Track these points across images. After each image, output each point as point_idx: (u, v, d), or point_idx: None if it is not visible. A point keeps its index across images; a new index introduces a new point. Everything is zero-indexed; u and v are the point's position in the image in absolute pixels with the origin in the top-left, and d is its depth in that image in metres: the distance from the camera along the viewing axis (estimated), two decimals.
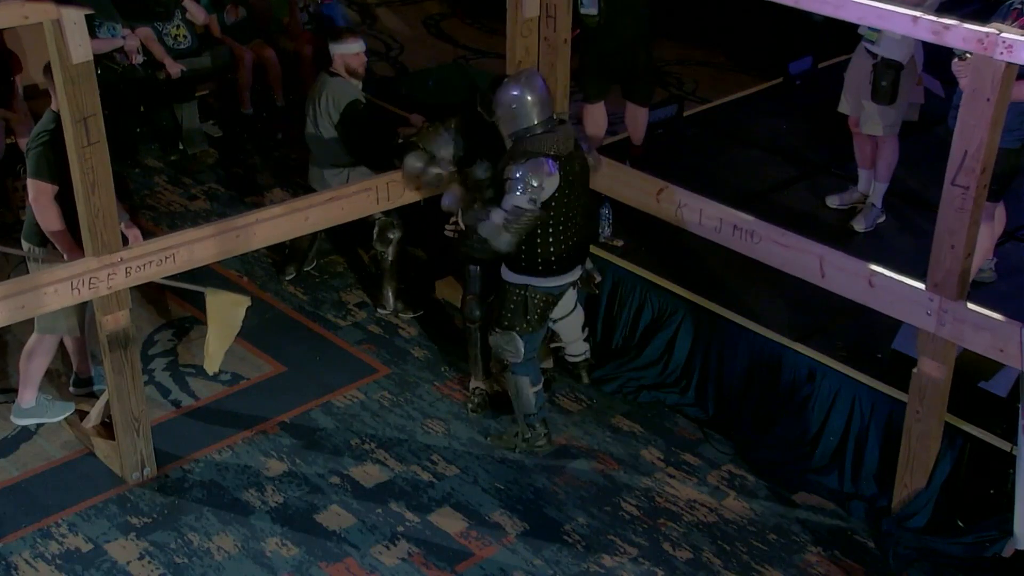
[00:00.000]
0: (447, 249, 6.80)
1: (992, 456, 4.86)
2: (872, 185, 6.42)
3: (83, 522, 5.18)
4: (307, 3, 8.67)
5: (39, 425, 5.68)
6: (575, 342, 5.86)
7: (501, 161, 5.21)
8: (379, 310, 6.66)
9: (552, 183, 5.08)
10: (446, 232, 5.77)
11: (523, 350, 5.38)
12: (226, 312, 5.40)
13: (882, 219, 6.39)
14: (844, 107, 6.46)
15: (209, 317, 5.28)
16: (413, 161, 5.64)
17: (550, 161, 5.06)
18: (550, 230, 5.21)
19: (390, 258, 6.57)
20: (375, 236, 6.52)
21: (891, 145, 6.27)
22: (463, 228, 5.42)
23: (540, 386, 5.55)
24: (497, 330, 5.41)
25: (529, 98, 5.12)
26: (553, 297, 5.40)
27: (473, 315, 5.78)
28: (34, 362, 5.56)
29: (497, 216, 5.08)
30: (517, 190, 5.01)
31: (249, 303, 5.61)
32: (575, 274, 5.42)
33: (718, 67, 9.21)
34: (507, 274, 5.36)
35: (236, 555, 5.02)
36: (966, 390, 4.94)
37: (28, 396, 5.61)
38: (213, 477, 5.45)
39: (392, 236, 6.51)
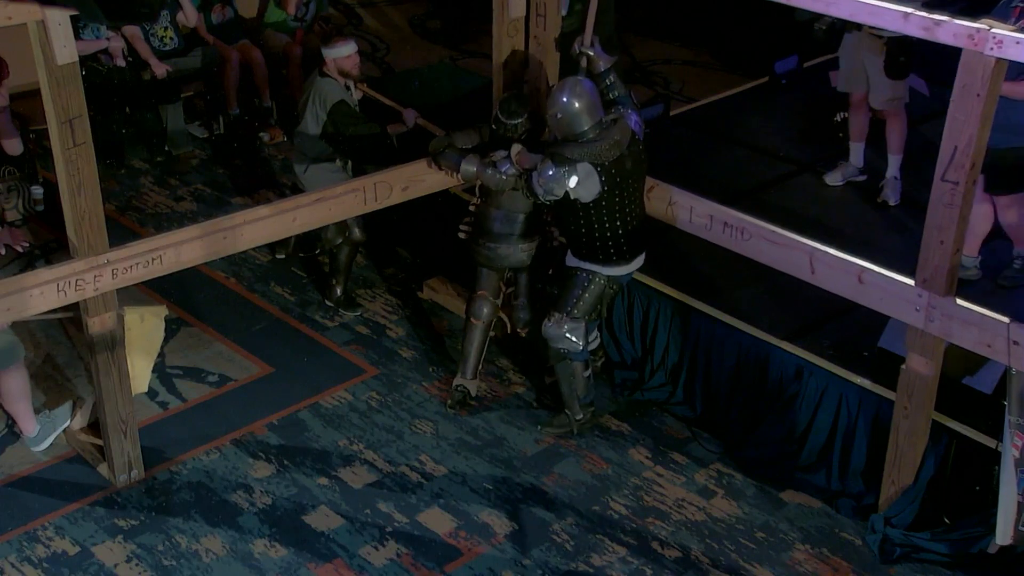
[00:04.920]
0: (437, 250, 6.82)
1: (977, 453, 4.88)
2: (889, 159, 6.60)
3: (70, 525, 5.15)
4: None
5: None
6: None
7: (548, 145, 5.33)
8: (326, 301, 6.73)
9: (588, 189, 5.18)
10: (459, 234, 5.80)
11: (584, 338, 5.50)
12: (145, 327, 5.41)
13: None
14: (844, 86, 6.64)
15: (127, 336, 5.24)
16: (468, 166, 5.58)
17: (580, 168, 5.12)
18: (617, 223, 5.31)
19: (342, 258, 6.64)
20: (331, 226, 6.50)
21: (901, 118, 6.53)
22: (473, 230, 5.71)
23: (589, 369, 5.66)
24: (559, 317, 5.46)
25: (577, 105, 5.18)
26: (620, 285, 5.57)
27: (480, 313, 5.82)
28: (15, 400, 5.49)
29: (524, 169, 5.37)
30: (543, 177, 5.16)
31: (166, 312, 5.60)
32: (641, 260, 5.53)
33: (704, 66, 9.22)
34: (581, 263, 5.45)
35: (224, 557, 5.01)
36: (951, 387, 4.96)
37: (30, 427, 5.55)
38: (201, 479, 5.44)
39: (342, 234, 6.52)
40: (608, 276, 5.46)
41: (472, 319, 5.86)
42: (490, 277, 5.88)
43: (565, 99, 5.19)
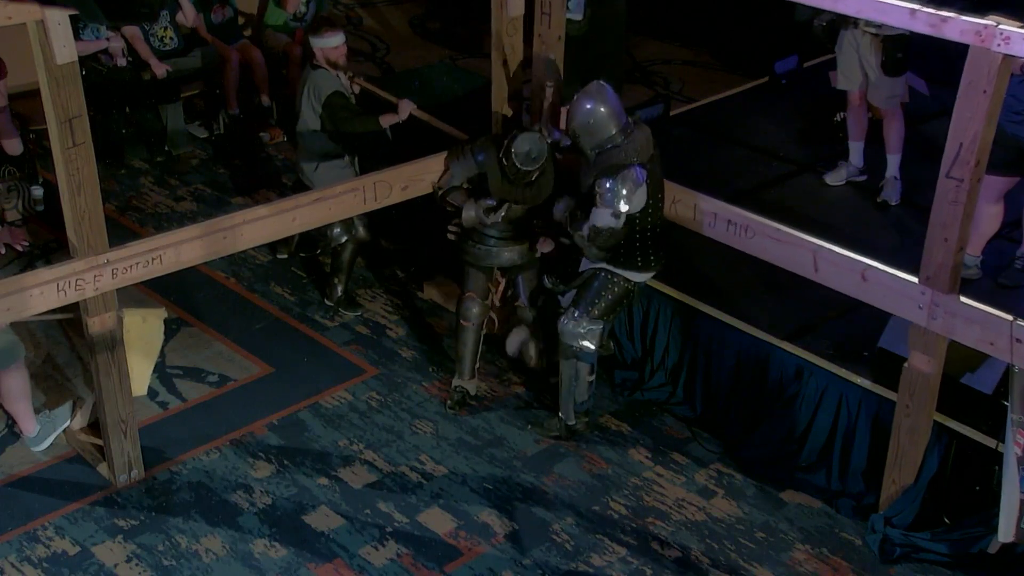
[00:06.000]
0: (438, 250, 6.82)
1: (978, 453, 4.87)
2: (888, 159, 6.61)
3: (70, 525, 5.15)
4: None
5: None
6: None
7: (588, 175, 5.30)
8: (326, 301, 6.71)
9: (642, 195, 5.19)
10: (449, 235, 5.81)
11: (599, 341, 5.51)
12: (146, 329, 5.39)
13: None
14: (842, 83, 6.64)
15: (126, 338, 5.24)
16: (468, 212, 5.72)
17: (638, 169, 5.14)
18: (659, 230, 5.37)
19: (345, 257, 6.62)
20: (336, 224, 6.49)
21: (898, 117, 6.54)
22: (464, 229, 5.73)
23: (593, 375, 5.61)
24: (578, 315, 5.44)
25: (603, 109, 5.20)
26: (640, 290, 5.60)
27: (469, 314, 5.81)
28: (15, 400, 5.48)
29: (582, 233, 5.30)
30: (606, 203, 5.13)
31: (165, 314, 5.59)
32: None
33: (704, 66, 9.21)
34: (607, 266, 5.43)
35: (224, 557, 5.01)
36: (952, 387, 4.96)
37: (30, 427, 5.55)
38: (201, 479, 5.43)
39: (348, 232, 6.50)
40: (634, 281, 5.46)
41: (462, 321, 5.86)
42: (478, 278, 5.87)
43: (591, 105, 5.20)
